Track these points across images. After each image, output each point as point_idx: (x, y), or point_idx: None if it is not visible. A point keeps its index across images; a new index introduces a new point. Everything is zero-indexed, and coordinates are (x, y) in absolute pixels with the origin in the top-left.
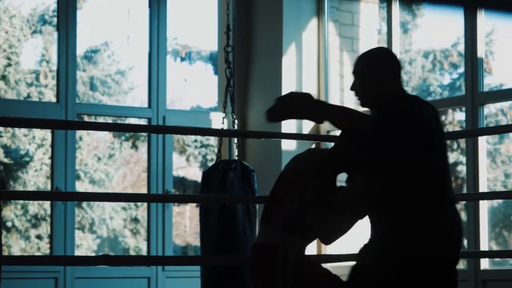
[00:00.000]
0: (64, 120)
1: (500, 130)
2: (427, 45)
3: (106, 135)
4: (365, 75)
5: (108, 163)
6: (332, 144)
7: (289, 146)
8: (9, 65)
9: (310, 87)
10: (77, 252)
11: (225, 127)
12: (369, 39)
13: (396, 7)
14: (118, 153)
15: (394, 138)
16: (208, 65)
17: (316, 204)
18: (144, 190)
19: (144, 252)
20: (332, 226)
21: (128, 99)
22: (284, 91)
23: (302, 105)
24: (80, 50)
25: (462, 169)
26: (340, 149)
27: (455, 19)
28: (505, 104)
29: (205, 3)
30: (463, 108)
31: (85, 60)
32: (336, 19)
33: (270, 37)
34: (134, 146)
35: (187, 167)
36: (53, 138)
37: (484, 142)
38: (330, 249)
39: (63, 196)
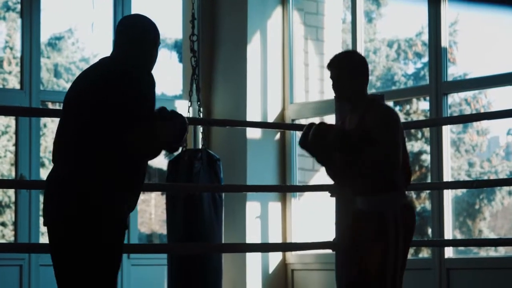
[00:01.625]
0: (29, 107)
1: (464, 119)
2: (392, 34)
3: None
4: None
5: None
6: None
7: (254, 134)
8: None
9: (275, 76)
10: (42, 240)
11: (191, 115)
12: (334, 28)
13: None
14: None
15: None
16: (173, 53)
17: None
18: None
19: None
20: None
21: None
22: (249, 80)
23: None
24: (44, 37)
25: (426, 158)
26: None
27: (419, 8)
28: (468, 94)
29: None
30: (427, 98)
31: (49, 47)
32: (300, 8)
33: (235, 25)
34: None
35: None
36: (17, 125)
37: (448, 131)
38: (295, 238)
39: (28, 184)
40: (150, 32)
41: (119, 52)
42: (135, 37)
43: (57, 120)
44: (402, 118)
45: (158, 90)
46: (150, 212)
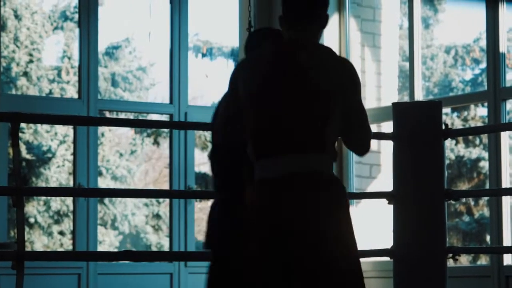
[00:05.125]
0: (86, 116)
1: None
2: (449, 41)
3: (128, 131)
4: None
5: (130, 159)
6: None
7: None
8: (31, 61)
9: None
10: (100, 248)
11: None
12: (391, 34)
13: (418, 3)
14: (140, 149)
15: None
16: (229, 61)
17: None
18: (166, 186)
19: (166, 248)
20: None
21: (150, 95)
22: None
23: None
24: (102, 46)
25: (484, 164)
26: None
27: (477, 14)
28: None
29: None
30: (485, 104)
31: (107, 56)
32: (357, 15)
33: None
34: (156, 142)
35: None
36: (75, 134)
37: (506, 138)
38: None
39: (84, 192)
40: None
41: None
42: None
43: (114, 128)
44: (460, 124)
45: (215, 99)
46: None
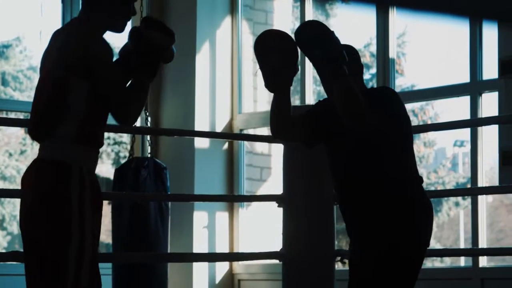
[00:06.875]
0: None
1: None
2: None
3: (18, 131)
4: None
5: (19, 159)
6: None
7: (202, 144)
8: None
9: (223, 86)
10: None
11: (138, 124)
12: None
13: (309, 7)
14: (30, 149)
15: None
16: None
17: None
18: None
19: None
20: None
21: None
22: (198, 90)
23: None
24: None
25: None
26: None
27: (367, 19)
28: (416, 105)
29: None
30: None
31: None
32: (249, 18)
33: (183, 35)
34: None
35: (100, 164)
36: None
37: None
38: (242, 248)
39: None
40: None
41: None
42: None
43: (4, 128)
44: None
45: None
46: None
